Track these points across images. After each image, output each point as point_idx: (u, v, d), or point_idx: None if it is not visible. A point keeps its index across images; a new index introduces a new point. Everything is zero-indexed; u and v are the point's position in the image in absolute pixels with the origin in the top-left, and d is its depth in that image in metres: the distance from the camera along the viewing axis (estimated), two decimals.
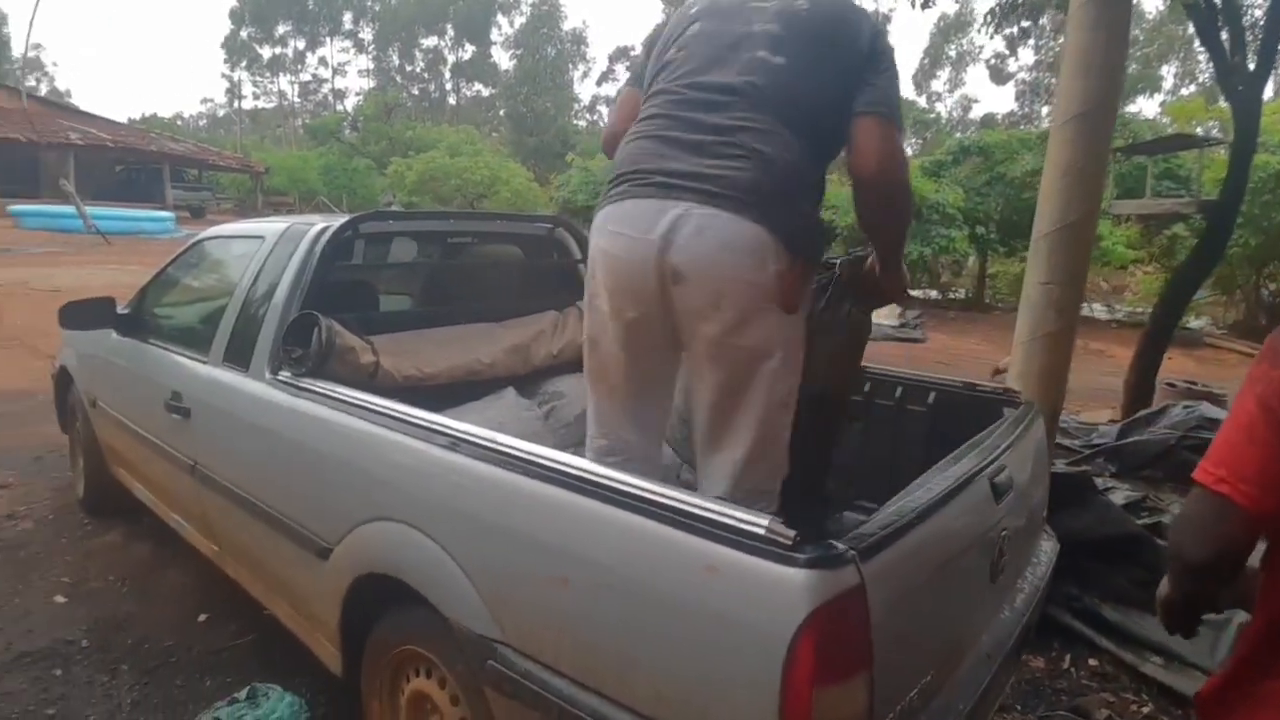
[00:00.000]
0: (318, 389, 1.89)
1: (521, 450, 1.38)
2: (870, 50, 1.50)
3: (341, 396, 1.82)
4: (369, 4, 42.33)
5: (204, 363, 2.32)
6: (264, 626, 2.39)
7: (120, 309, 2.87)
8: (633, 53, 48.05)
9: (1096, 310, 14.60)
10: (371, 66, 44.44)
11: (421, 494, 1.54)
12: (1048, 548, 2.02)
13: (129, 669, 2.30)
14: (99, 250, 15.21)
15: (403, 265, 2.85)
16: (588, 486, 1.25)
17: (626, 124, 1.61)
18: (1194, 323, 12.54)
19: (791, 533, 1.05)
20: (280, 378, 1.99)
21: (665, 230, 1.38)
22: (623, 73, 50.33)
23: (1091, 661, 2.57)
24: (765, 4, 1.52)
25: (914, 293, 15.41)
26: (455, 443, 1.49)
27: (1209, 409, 4.53)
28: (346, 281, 2.44)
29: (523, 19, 41.52)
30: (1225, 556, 0.93)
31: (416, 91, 44.58)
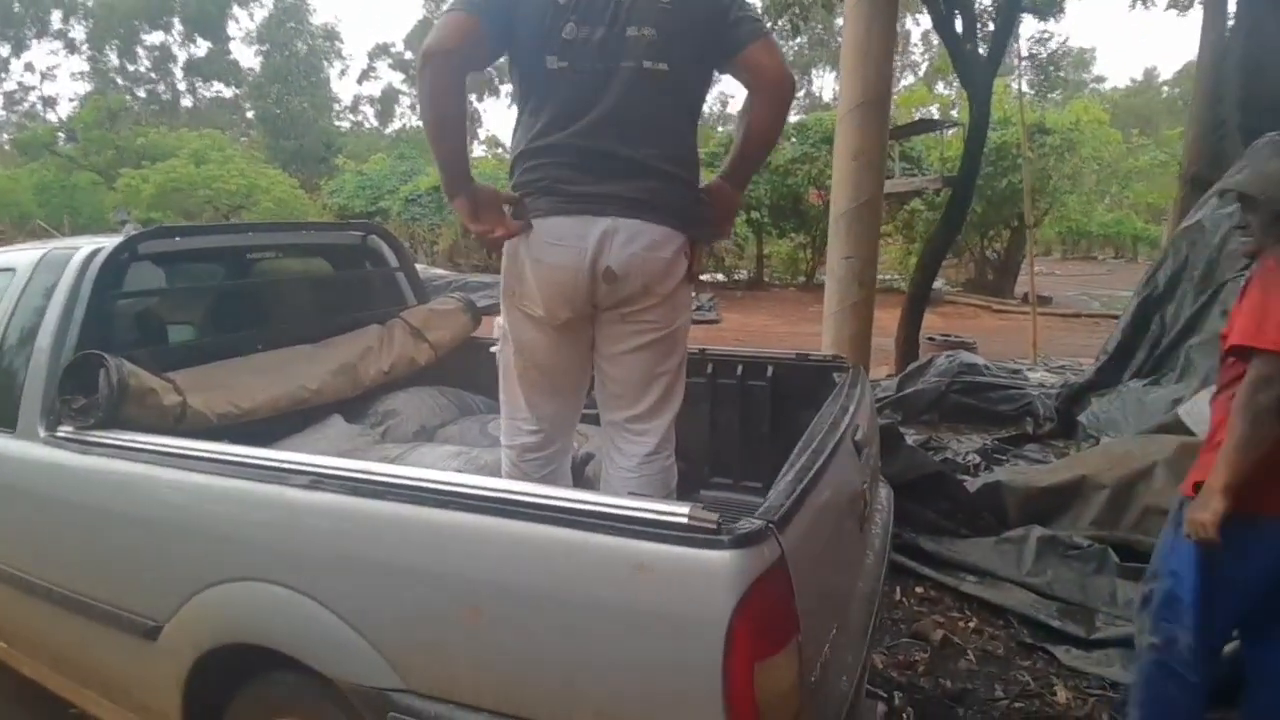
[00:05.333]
0: (115, 441, 1.60)
1: (403, 478, 1.27)
2: (729, 3, 1.57)
3: (150, 446, 1.55)
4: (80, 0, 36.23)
5: None
6: None
7: None
8: (393, 49, 45.80)
9: None
10: (86, 68, 38.19)
11: (280, 545, 1.35)
12: (885, 493, 2.23)
13: None
14: None
15: (193, 289, 2.49)
16: (491, 505, 1.17)
17: (457, 44, 1.47)
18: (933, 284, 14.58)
19: (714, 517, 1.07)
20: (60, 434, 1.66)
21: (598, 238, 1.54)
22: (385, 70, 47.89)
23: (918, 589, 2.90)
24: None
25: (703, 276, 16.35)
26: (317, 480, 1.33)
27: (966, 355, 5.29)
28: (126, 313, 2.08)
29: (264, 12, 37.88)
30: None
31: (143, 94, 39.02)
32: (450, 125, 1.53)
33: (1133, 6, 9.34)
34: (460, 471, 1.96)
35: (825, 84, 41.14)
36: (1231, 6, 5.12)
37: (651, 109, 1.55)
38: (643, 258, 1.56)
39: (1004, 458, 4.18)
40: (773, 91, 1.61)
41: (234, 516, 1.40)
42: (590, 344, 1.71)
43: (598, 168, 1.54)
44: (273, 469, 1.38)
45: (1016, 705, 2.26)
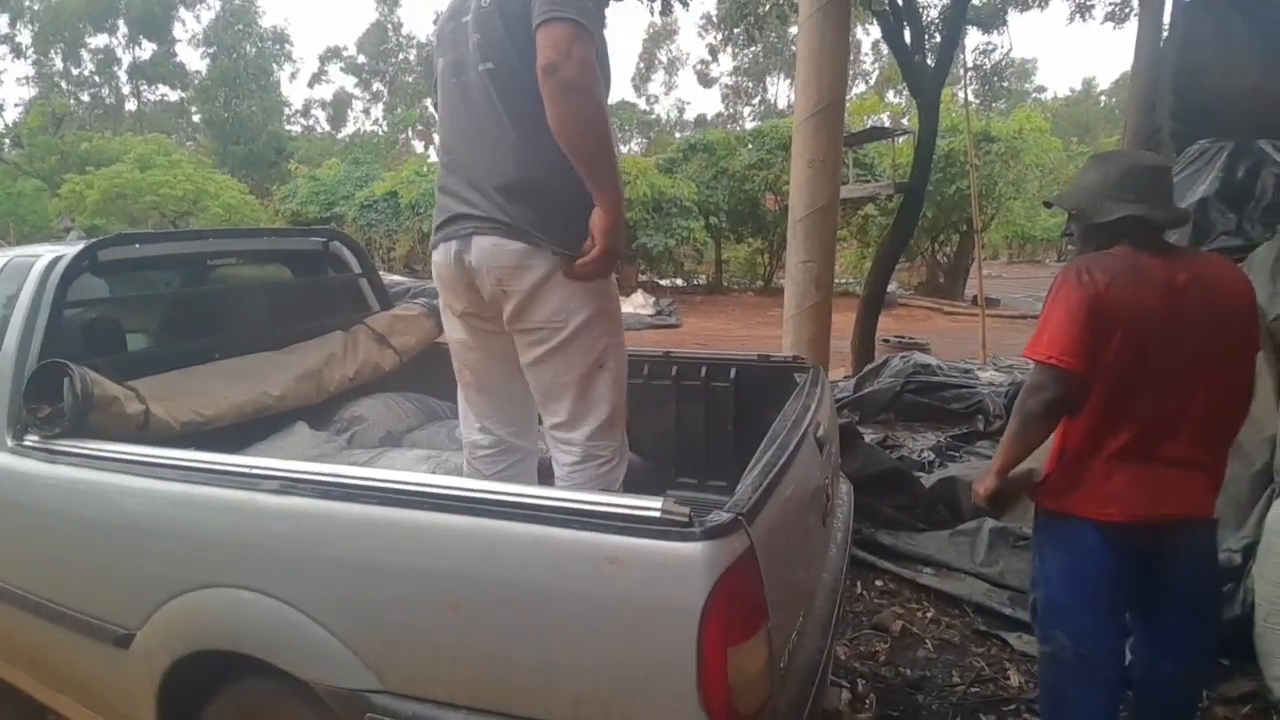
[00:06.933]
0: (82, 450, 1.59)
1: (376, 480, 1.29)
2: None
3: (117, 455, 1.55)
4: (27, 4, 34.83)
5: None
6: None
7: None
8: (345, 52, 45.26)
9: None
10: (32, 73, 36.86)
11: (251, 550, 1.36)
12: (846, 489, 2.31)
13: None
14: None
15: (156, 296, 2.45)
16: (466, 504, 1.20)
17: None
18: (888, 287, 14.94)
19: (685, 509, 1.11)
20: (26, 443, 1.64)
21: (457, 244, 1.66)
22: (337, 74, 47.35)
23: (878, 582, 2.99)
24: (467, 16, 1.58)
25: (662, 282, 16.48)
26: (289, 485, 1.34)
27: (921, 356, 5.45)
28: (88, 321, 2.06)
29: (211, 14, 36.93)
30: (1061, 404, 1.53)
31: (87, 97, 37.78)
32: None
33: (1071, 20, 9.70)
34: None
35: (780, 91, 41.82)
36: (1166, 19, 5.40)
37: (488, 114, 1.56)
38: (490, 253, 1.61)
39: (957, 454, 4.33)
40: (542, 80, 1.42)
41: (203, 523, 1.40)
42: (513, 350, 1.73)
43: (451, 200, 1.67)
44: (242, 475, 1.39)
45: (973, 690, 2.35)
